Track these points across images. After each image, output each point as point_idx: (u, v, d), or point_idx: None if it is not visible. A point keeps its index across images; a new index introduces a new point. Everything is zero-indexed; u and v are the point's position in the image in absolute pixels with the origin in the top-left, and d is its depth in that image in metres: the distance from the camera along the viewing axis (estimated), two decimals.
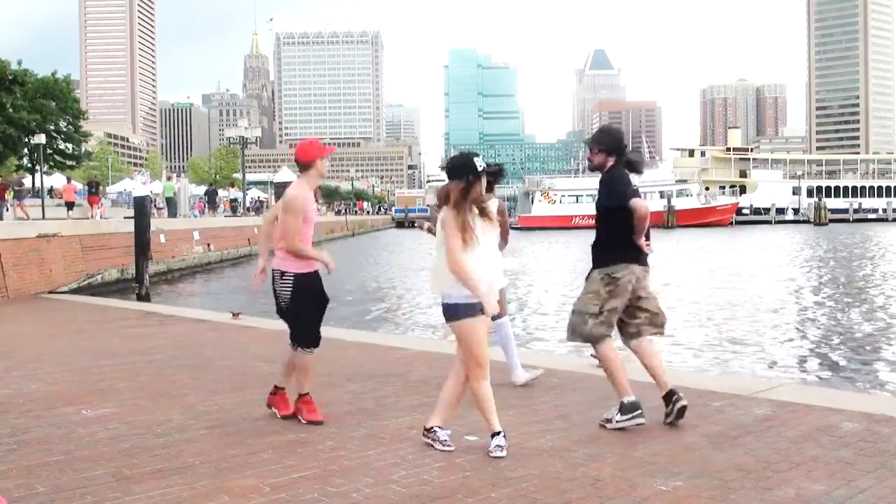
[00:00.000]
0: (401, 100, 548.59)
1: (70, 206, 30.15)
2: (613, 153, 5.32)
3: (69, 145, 56.48)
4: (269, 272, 5.51)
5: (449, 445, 4.69)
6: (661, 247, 43.27)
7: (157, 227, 24.54)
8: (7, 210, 27.65)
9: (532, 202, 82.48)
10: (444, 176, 4.81)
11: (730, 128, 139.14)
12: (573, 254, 36.38)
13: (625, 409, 5.10)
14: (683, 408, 5.16)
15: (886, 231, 63.28)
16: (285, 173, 48.16)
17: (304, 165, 5.41)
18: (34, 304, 15.23)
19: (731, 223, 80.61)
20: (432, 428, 4.79)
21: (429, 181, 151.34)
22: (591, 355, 7.54)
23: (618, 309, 5.25)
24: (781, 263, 30.29)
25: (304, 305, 5.33)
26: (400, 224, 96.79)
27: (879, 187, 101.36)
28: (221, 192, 55.03)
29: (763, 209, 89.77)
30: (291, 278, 5.29)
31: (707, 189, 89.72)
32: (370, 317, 16.17)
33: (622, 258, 5.21)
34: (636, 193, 5.19)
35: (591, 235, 5.45)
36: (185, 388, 6.67)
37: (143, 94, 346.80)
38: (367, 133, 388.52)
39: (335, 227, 67.38)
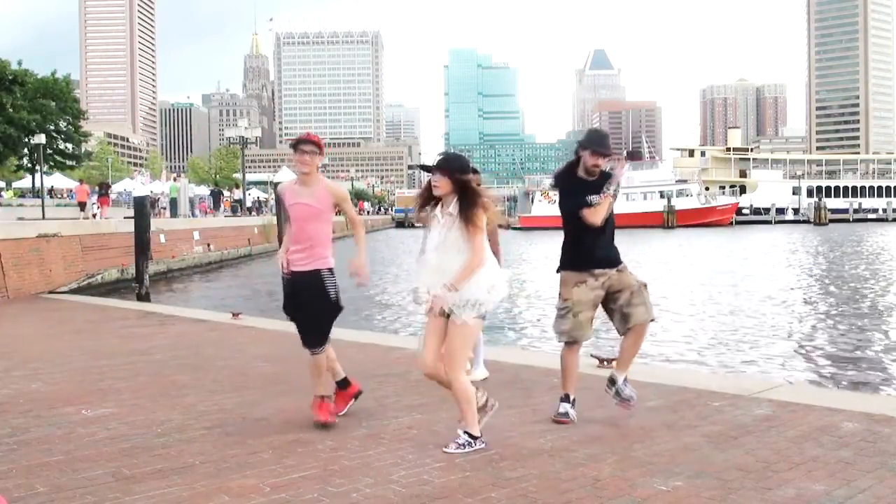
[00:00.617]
0: (401, 100, 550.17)
1: (82, 206, 32.20)
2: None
3: (69, 145, 56.54)
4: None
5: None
6: (662, 247, 43.27)
7: (156, 227, 24.55)
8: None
9: (532, 202, 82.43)
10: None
11: (730, 128, 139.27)
12: None
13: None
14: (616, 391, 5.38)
15: (887, 231, 63.26)
16: (285, 173, 48.10)
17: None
18: (34, 304, 15.23)
19: (731, 223, 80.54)
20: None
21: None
22: (591, 355, 7.57)
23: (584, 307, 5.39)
24: (781, 263, 30.29)
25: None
26: (400, 224, 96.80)
27: (879, 187, 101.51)
28: (226, 194, 54.91)
29: (763, 209, 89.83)
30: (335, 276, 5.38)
31: (707, 189, 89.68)
32: (370, 317, 16.15)
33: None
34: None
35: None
36: (185, 388, 6.67)
37: (143, 94, 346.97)
38: (367, 133, 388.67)
39: (335, 227, 67.20)
